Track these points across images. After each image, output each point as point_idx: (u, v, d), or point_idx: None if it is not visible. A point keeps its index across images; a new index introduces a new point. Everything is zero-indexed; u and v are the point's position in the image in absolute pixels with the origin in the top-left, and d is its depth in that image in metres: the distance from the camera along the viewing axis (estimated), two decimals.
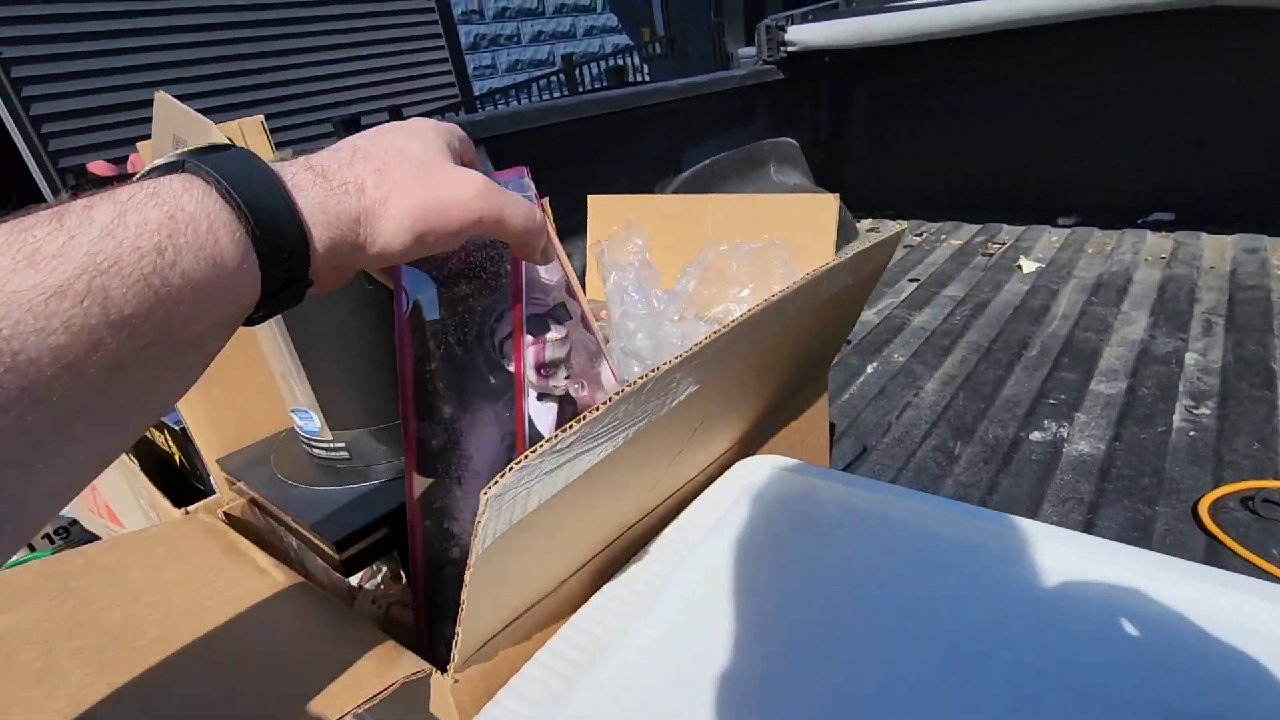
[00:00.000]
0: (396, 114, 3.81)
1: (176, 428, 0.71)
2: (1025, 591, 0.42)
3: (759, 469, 0.56)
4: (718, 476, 0.56)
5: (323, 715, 0.34)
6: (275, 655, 0.39)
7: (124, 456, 0.74)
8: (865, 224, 2.46)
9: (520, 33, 6.27)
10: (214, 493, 0.64)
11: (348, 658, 0.39)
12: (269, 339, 0.51)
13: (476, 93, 6.10)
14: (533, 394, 0.41)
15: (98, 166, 4.71)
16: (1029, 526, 0.46)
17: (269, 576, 0.47)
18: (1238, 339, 1.33)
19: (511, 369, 0.39)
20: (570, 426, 0.33)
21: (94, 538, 1.01)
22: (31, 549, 0.99)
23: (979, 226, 2.24)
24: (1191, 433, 1.08)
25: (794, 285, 0.49)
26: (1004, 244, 2.07)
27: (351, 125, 1.98)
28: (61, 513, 1.25)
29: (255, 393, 0.60)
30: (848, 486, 0.54)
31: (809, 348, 0.65)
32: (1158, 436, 1.08)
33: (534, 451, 0.31)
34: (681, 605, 0.44)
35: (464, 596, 0.34)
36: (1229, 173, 1.95)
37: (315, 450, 0.53)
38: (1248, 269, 1.64)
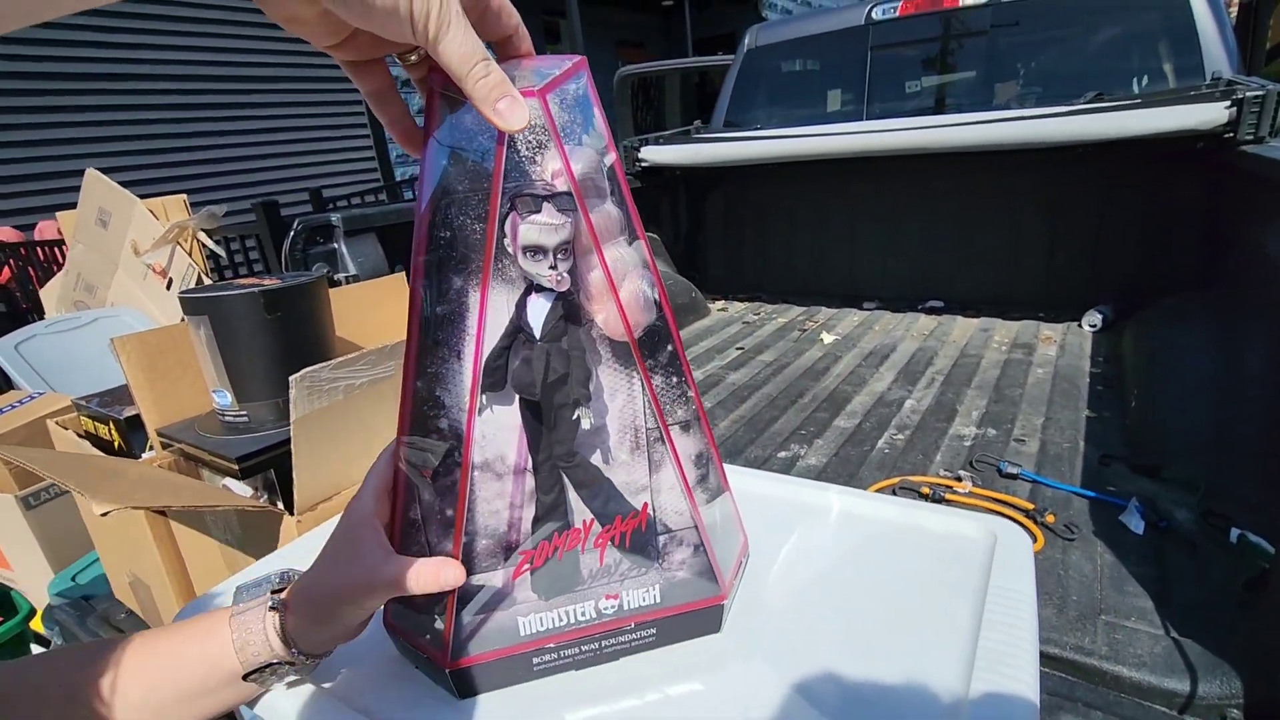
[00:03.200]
0: (316, 195, 4.14)
1: (121, 419, 1.00)
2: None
3: None
4: None
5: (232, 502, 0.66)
6: (212, 495, 0.71)
7: (76, 441, 1.02)
8: (718, 304, 2.94)
9: None
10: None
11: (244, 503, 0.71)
12: (200, 345, 0.84)
13: (398, 178, 6.52)
14: (529, 286, 0.41)
15: (3, 233, 4.78)
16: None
17: (198, 484, 0.79)
18: (943, 390, 1.81)
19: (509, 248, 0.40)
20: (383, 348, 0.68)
21: None
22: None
23: (804, 308, 2.75)
24: (886, 451, 1.51)
25: None
26: (818, 322, 2.57)
27: (270, 208, 2.31)
28: None
29: (186, 388, 0.91)
30: None
31: None
32: (863, 453, 1.51)
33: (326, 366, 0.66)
34: None
35: (295, 463, 0.68)
36: (982, 274, 2.54)
37: (225, 418, 0.85)
38: (975, 343, 2.17)
